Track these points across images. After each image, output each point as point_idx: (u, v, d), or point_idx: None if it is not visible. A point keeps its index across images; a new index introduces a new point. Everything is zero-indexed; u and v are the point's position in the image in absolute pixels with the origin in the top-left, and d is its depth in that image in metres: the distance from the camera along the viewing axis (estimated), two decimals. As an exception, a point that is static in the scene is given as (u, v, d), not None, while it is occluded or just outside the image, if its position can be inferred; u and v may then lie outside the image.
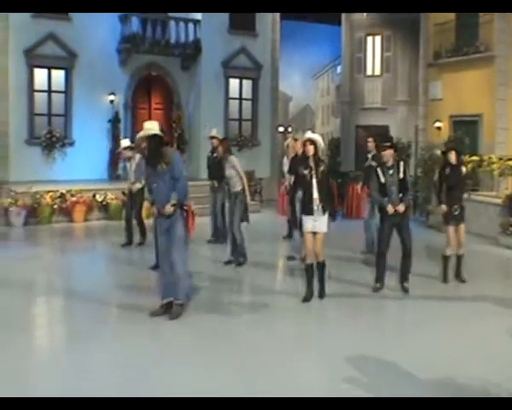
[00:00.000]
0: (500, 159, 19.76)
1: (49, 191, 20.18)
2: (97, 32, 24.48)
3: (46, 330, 10.11)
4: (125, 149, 16.49)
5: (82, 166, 23.84)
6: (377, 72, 32.50)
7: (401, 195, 11.91)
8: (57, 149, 24.04)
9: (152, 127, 9.97)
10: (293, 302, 11.49)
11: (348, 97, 32.79)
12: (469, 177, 19.87)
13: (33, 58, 23.74)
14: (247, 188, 14.17)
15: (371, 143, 15.91)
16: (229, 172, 14.11)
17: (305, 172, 11.31)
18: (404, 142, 27.43)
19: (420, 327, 10.34)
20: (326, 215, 11.36)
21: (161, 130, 10.28)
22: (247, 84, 27.89)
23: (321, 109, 34.92)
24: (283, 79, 30.02)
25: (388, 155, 11.90)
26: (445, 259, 13.27)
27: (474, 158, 20.37)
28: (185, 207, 10.03)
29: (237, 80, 27.63)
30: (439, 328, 10.54)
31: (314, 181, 11.22)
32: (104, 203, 20.74)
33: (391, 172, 11.92)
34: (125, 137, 18.01)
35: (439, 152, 20.17)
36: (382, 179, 11.98)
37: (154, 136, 9.88)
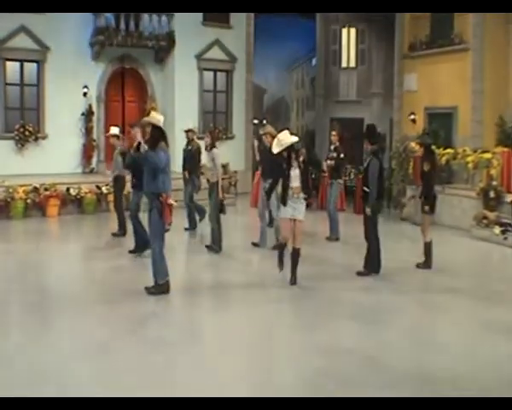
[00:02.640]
0: (475, 152, 19.80)
1: (22, 185, 19.98)
2: (70, 25, 24.21)
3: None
4: (113, 136, 16.47)
5: (55, 159, 23.65)
6: (352, 64, 32.46)
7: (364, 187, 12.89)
8: (30, 143, 23.80)
9: (159, 119, 11.09)
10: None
11: (323, 90, 32.73)
12: (442, 170, 20.04)
13: (5, 51, 23.48)
14: (220, 182, 14.59)
15: (335, 137, 17.16)
16: (209, 163, 14.92)
17: (284, 164, 11.89)
18: (380, 133, 27.47)
19: (390, 317, 10.33)
20: (304, 204, 11.98)
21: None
22: (221, 76, 27.78)
23: (296, 102, 34.90)
24: (258, 71, 29.96)
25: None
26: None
27: (449, 151, 20.40)
28: (161, 199, 10.77)
29: (211, 73, 27.49)
30: (410, 319, 10.56)
31: (294, 171, 11.82)
32: (78, 197, 20.53)
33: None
34: (116, 126, 17.89)
35: (413, 144, 20.27)
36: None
37: (158, 128, 10.92)
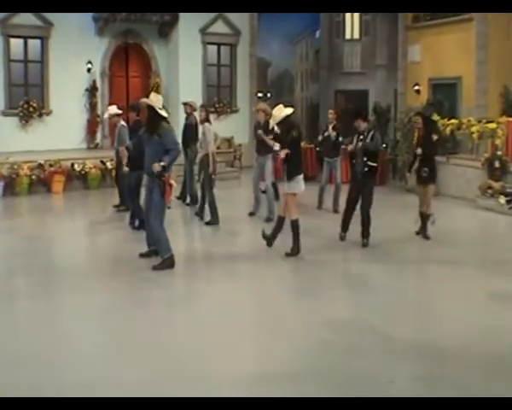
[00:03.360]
0: (479, 122, 19.78)
1: (26, 162, 20.03)
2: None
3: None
4: (113, 115, 16.52)
5: (60, 135, 23.53)
6: (356, 35, 32.29)
7: (365, 158, 12.88)
8: (35, 120, 23.77)
9: (156, 100, 11.35)
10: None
11: (327, 62, 32.53)
12: (446, 140, 20.04)
13: (9, 28, 23.44)
14: (211, 156, 14.95)
15: (332, 115, 17.28)
16: (202, 137, 15.41)
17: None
18: (384, 106, 27.40)
19: (396, 289, 10.37)
20: (298, 178, 12.29)
21: (164, 107, 11.67)
22: (225, 50, 27.69)
23: (300, 74, 34.70)
24: (262, 45, 29.82)
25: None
26: (421, 215, 14.03)
27: (453, 121, 20.38)
28: (163, 178, 11.03)
29: (215, 47, 27.41)
30: (418, 290, 10.62)
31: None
32: (83, 173, 20.56)
33: (362, 137, 13.01)
34: (112, 104, 17.97)
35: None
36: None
37: (154, 108, 11.14)
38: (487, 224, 16.45)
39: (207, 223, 15.30)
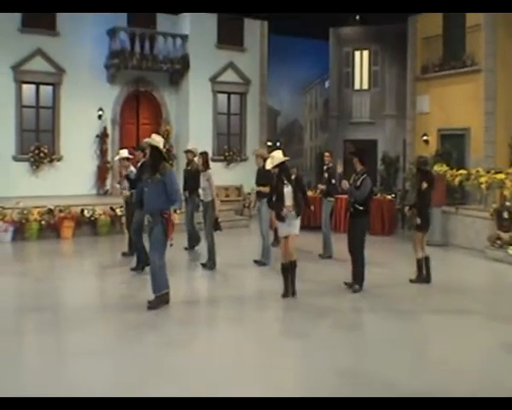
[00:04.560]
0: (488, 172, 19.81)
1: (36, 207, 20.10)
2: (85, 48, 24.52)
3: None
4: (123, 159, 16.59)
5: (70, 181, 23.80)
6: (365, 86, 32.52)
7: (352, 201, 13.22)
8: (45, 165, 23.96)
9: (159, 140, 11.62)
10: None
11: (336, 112, 32.77)
12: (455, 191, 20.12)
13: (21, 74, 23.72)
14: (216, 199, 15.34)
15: (327, 157, 17.77)
16: (203, 183, 15.50)
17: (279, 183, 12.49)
18: (392, 156, 27.52)
19: (406, 341, 10.32)
20: (298, 219, 12.52)
21: (165, 147, 12.23)
22: (235, 99, 27.93)
23: (309, 124, 34.98)
24: (272, 93, 30.12)
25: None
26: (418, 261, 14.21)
27: (462, 172, 20.41)
28: (165, 215, 11.20)
29: (225, 95, 27.64)
30: (429, 341, 10.54)
31: (287, 189, 12.38)
32: (92, 219, 20.62)
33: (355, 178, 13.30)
34: (123, 148, 18.11)
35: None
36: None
37: (157, 148, 11.40)
38: (496, 274, 16.39)
39: (203, 264, 15.54)
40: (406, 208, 14.29)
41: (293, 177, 12.66)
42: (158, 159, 11.37)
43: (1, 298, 12.60)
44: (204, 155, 15.93)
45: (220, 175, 25.45)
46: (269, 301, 12.51)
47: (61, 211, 20.20)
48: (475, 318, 11.72)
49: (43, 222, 19.81)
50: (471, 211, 19.69)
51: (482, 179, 19.42)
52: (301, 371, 8.93)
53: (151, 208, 11.37)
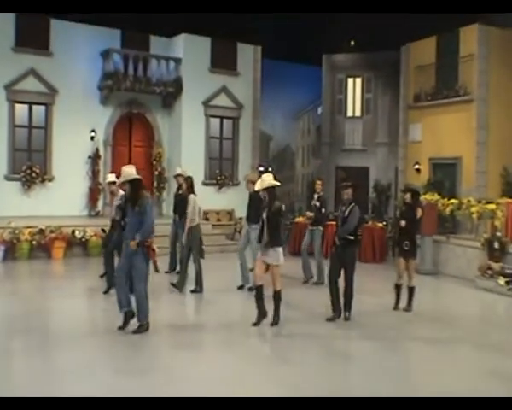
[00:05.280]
0: (479, 202, 19.86)
1: (28, 227, 20.06)
2: (78, 68, 24.56)
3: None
4: (110, 183, 16.49)
5: (61, 202, 23.76)
6: (358, 113, 32.63)
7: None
8: (37, 185, 23.89)
9: (131, 172, 11.67)
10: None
11: (328, 138, 32.77)
12: (445, 220, 20.20)
13: (14, 93, 23.71)
14: (188, 222, 15.41)
15: (318, 185, 17.67)
16: (188, 209, 15.44)
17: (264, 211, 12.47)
18: (384, 183, 27.57)
19: (392, 370, 10.30)
20: (277, 249, 12.29)
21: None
22: (227, 123, 27.95)
23: (301, 150, 35.01)
24: (264, 118, 30.13)
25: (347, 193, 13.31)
26: (397, 287, 14.27)
27: (454, 201, 20.46)
28: (146, 244, 11.37)
29: (218, 119, 27.67)
30: (419, 369, 10.52)
31: (264, 217, 12.35)
32: (83, 240, 20.59)
33: (343, 208, 13.27)
34: (112, 172, 18.06)
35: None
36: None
37: (134, 179, 11.53)
38: (486, 304, 16.40)
39: (192, 291, 15.54)
40: (403, 222, 14.16)
41: (276, 205, 12.39)
42: (136, 191, 11.49)
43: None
44: (188, 179, 15.93)
45: (212, 199, 25.56)
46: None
47: (52, 231, 20.19)
48: (464, 346, 11.74)
49: (34, 242, 19.81)
50: (462, 240, 19.74)
51: (473, 209, 19.49)
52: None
53: (131, 236, 11.44)
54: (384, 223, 23.04)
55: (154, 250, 11.50)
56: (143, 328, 11.51)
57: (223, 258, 20.25)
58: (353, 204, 13.14)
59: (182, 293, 15.39)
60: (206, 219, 25.25)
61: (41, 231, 20.03)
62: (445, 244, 19.87)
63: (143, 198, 11.44)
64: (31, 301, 14.22)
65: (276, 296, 12.49)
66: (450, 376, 9.93)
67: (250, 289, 15.72)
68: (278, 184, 12.54)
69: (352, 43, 30.30)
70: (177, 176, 17.94)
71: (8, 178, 23.57)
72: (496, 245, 18.16)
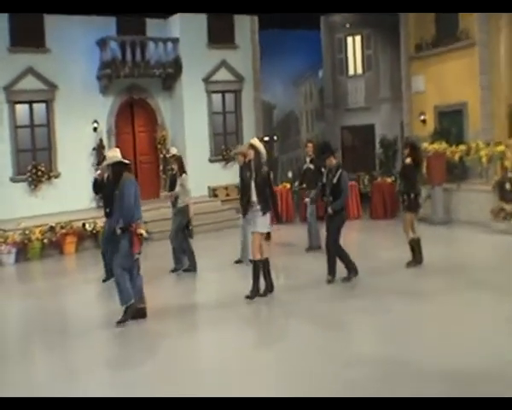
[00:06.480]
0: (487, 145, 19.68)
1: (38, 226, 20.03)
2: (76, 61, 24.33)
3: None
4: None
5: (69, 197, 23.65)
6: (359, 71, 32.34)
7: (331, 198, 12.93)
8: (43, 183, 23.79)
9: (114, 155, 11.71)
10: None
11: (331, 100, 32.55)
12: (455, 166, 20.02)
13: (14, 94, 23.58)
14: (190, 205, 15.44)
15: (309, 148, 17.59)
16: (177, 188, 15.48)
17: (247, 175, 12.40)
18: (390, 139, 27.35)
19: (414, 321, 10.26)
20: (266, 216, 12.19)
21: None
22: (229, 97, 27.77)
23: (305, 115, 34.79)
24: (266, 88, 29.92)
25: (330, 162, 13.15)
26: (410, 243, 14.20)
27: (461, 147, 20.29)
28: (131, 229, 11.22)
29: (219, 95, 27.51)
30: (437, 319, 10.46)
31: (253, 184, 12.16)
32: (94, 232, 20.54)
33: (330, 176, 13.12)
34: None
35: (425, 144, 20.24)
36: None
37: (116, 163, 11.56)
38: (502, 247, 16.25)
39: (185, 270, 15.63)
40: (423, 198, 14.12)
41: (264, 171, 12.32)
42: (117, 174, 11.54)
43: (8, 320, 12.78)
44: (178, 159, 15.97)
45: (219, 175, 25.47)
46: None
47: (62, 227, 20.15)
48: (484, 293, 11.65)
49: (45, 240, 19.74)
50: (473, 186, 19.62)
51: (482, 153, 19.35)
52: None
53: (115, 223, 11.57)
54: (393, 178, 22.87)
55: (139, 236, 11.30)
56: (129, 313, 11.31)
57: (232, 233, 19.84)
58: (341, 170, 12.99)
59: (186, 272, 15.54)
60: (215, 195, 25.25)
61: (51, 229, 19.97)
62: (456, 192, 19.74)
63: (122, 181, 11.38)
64: (46, 302, 14.13)
65: (265, 265, 12.45)
66: (477, 325, 9.87)
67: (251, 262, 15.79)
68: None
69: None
70: (172, 156, 17.64)
71: (14, 180, 23.45)
72: (507, 186, 18.04)
